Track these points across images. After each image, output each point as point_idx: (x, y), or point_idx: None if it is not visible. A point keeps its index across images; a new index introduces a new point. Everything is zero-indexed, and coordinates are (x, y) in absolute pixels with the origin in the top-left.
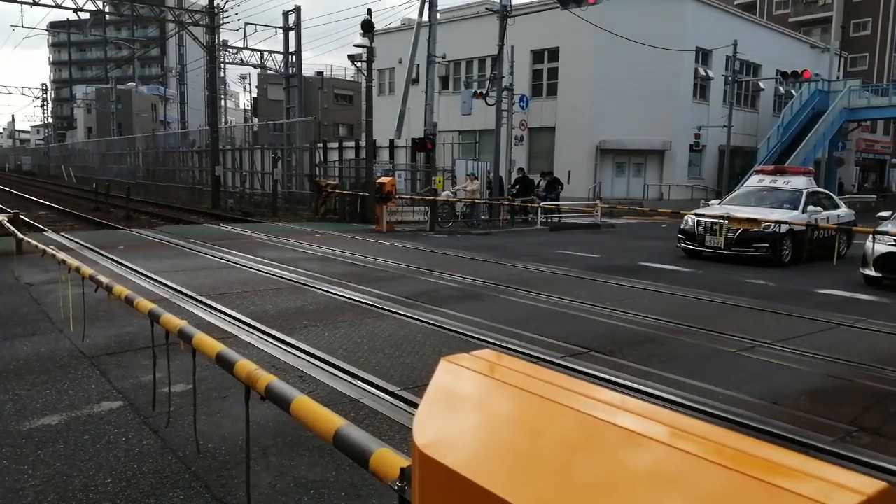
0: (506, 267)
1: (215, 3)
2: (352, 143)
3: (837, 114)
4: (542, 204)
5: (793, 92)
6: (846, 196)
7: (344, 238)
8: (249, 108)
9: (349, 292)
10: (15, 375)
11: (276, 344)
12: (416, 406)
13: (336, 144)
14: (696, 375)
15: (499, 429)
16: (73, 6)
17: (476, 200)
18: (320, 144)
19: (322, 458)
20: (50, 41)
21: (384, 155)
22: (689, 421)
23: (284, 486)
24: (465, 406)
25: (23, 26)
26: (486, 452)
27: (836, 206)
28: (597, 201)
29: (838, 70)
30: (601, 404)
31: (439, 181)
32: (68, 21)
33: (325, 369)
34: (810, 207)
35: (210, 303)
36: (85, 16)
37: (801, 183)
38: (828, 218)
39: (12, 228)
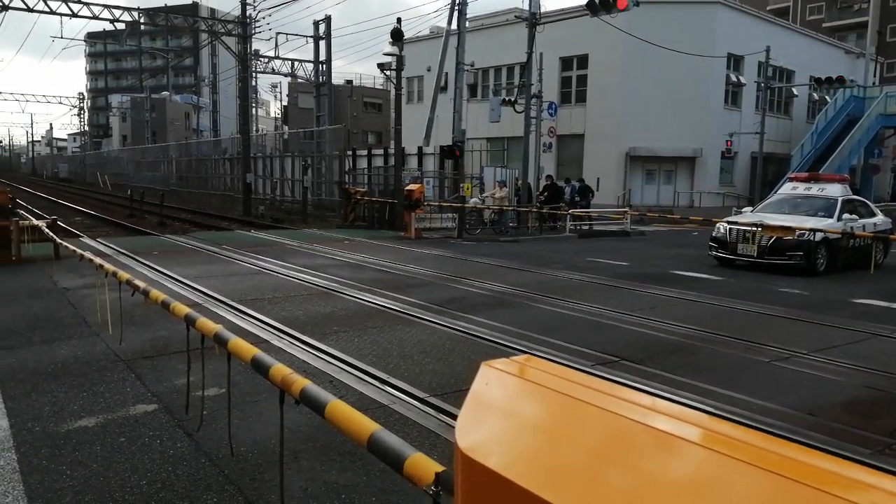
0: (534, 274)
1: (247, 14)
2: (380, 151)
3: (873, 120)
4: (570, 211)
5: (827, 98)
6: (882, 204)
7: (373, 245)
8: (280, 116)
9: (378, 298)
10: (53, 378)
11: (307, 349)
12: (445, 413)
13: (365, 152)
14: (729, 385)
15: (540, 432)
16: (110, 17)
17: (504, 208)
18: (349, 152)
19: (353, 463)
20: (87, 51)
21: (413, 162)
22: (729, 426)
23: (316, 490)
24: (507, 409)
25: (62, 37)
26: (529, 455)
27: (873, 214)
28: (626, 208)
29: (874, 76)
30: (642, 409)
31: (467, 188)
32: (105, 32)
33: (354, 375)
34: (845, 215)
35: (242, 308)
36: (121, 26)
37: (835, 190)
38: (864, 226)
39: (51, 234)
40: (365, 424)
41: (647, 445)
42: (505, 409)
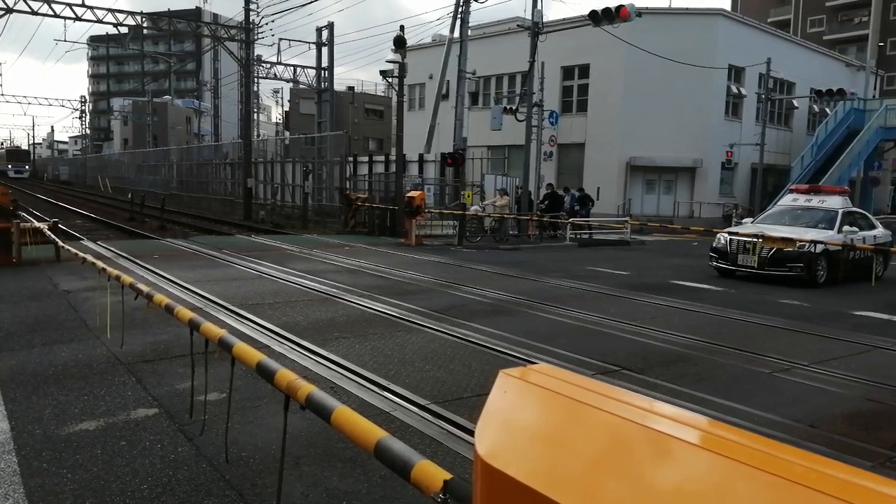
0: (535, 282)
1: (251, 19)
2: (381, 158)
3: (873, 133)
4: (571, 220)
5: (827, 110)
6: (882, 216)
7: (373, 251)
8: (281, 121)
9: (379, 305)
10: (54, 381)
11: (308, 355)
12: (447, 421)
13: (366, 158)
14: (729, 396)
15: (559, 440)
16: (114, 21)
17: (505, 215)
18: (351, 158)
19: (354, 470)
20: (89, 55)
21: (413, 169)
22: (754, 437)
23: (317, 496)
24: (526, 418)
25: (65, 40)
26: (549, 463)
27: (873, 227)
28: (626, 218)
29: (874, 88)
30: (660, 417)
31: (468, 196)
32: (108, 35)
33: (355, 381)
34: (846, 227)
35: (242, 313)
36: (124, 30)
37: (836, 202)
38: (864, 238)
39: (53, 237)
40: (372, 431)
41: (670, 454)
42: (524, 417)
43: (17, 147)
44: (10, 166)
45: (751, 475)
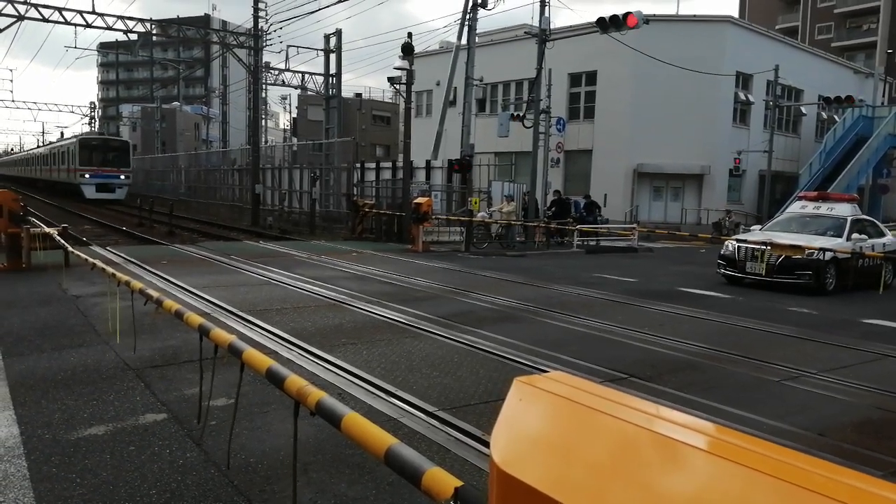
0: (542, 289)
1: (259, 26)
2: (389, 164)
3: (882, 140)
4: (578, 227)
5: (836, 117)
6: (891, 224)
7: (380, 257)
8: (289, 127)
9: (386, 311)
10: (63, 385)
11: (316, 361)
12: (454, 427)
13: (373, 164)
14: (738, 404)
15: (575, 449)
16: (124, 28)
17: (512, 222)
18: (358, 164)
19: (362, 476)
20: (99, 61)
21: (420, 175)
22: (769, 445)
23: (325, 503)
24: (541, 425)
25: (75, 47)
26: (565, 471)
27: (882, 234)
28: (634, 225)
29: (883, 95)
30: (676, 426)
31: (475, 202)
32: (117, 42)
33: (363, 387)
34: (855, 235)
35: (250, 318)
36: (134, 37)
37: (845, 210)
38: (873, 246)
39: (62, 242)
40: (382, 438)
41: (687, 462)
42: (539, 424)
43: (103, 135)
44: (86, 175)
45: (768, 484)
